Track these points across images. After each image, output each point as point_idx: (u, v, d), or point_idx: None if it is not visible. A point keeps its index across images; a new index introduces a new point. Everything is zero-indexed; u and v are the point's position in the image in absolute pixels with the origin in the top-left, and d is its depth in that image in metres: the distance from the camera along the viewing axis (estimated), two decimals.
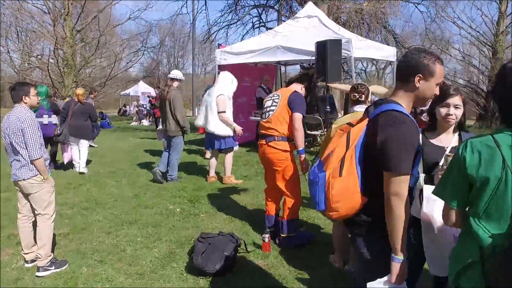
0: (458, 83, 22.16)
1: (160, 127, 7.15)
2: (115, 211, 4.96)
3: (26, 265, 3.57)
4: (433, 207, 2.08)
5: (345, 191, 1.72)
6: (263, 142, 3.90)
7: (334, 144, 1.95)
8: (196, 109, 30.87)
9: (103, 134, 11.47)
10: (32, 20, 20.84)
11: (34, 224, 3.56)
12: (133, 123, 21.73)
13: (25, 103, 3.39)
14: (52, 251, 3.61)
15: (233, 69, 7.78)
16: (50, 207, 3.49)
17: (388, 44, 11.90)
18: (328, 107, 7.33)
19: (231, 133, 6.14)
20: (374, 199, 1.72)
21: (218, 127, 6.06)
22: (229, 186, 6.03)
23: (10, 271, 3.50)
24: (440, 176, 2.25)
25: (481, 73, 24.76)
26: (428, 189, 2.07)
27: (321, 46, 6.48)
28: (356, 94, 3.30)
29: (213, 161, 6.45)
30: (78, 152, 7.39)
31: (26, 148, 3.29)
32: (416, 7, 13.94)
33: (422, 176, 2.13)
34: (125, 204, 5.27)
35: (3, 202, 5.24)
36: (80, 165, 7.27)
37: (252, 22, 13.75)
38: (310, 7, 9.00)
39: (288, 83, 4.06)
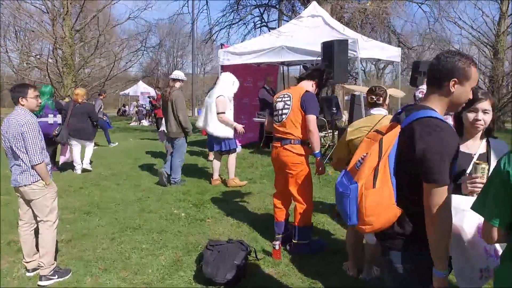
0: None
1: (162, 128, 7.01)
2: (118, 216, 4.82)
3: (28, 274, 3.44)
4: (462, 218, 1.97)
5: (380, 203, 1.62)
6: (278, 144, 3.76)
7: (361, 153, 1.84)
8: (196, 109, 30.83)
9: (103, 135, 11.31)
10: (31, 19, 20.67)
11: (36, 231, 3.42)
12: (133, 123, 21.60)
13: (22, 105, 3.24)
14: (55, 259, 3.48)
15: (236, 69, 7.67)
16: (52, 213, 3.36)
17: (390, 44, 11.83)
18: (334, 108, 7.21)
19: (231, 134, 6.01)
20: (410, 211, 1.63)
21: (217, 129, 5.93)
22: (234, 190, 5.89)
23: (11, 281, 3.37)
24: (468, 184, 2.14)
25: (481, 73, 24.72)
26: (456, 199, 1.94)
27: (328, 47, 6.35)
28: (373, 97, 3.17)
29: (216, 164, 6.32)
30: (78, 153, 7.32)
31: (27, 153, 3.15)
32: (419, 6, 13.83)
33: None
34: (128, 208, 5.13)
35: (2, 207, 5.10)
36: (84, 162, 7.33)
37: (254, 22, 13.63)
38: (314, 6, 8.88)
39: (298, 80, 3.92)
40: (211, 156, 8.21)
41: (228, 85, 6.00)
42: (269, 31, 12.91)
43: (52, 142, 7.05)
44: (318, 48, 7.00)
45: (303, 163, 3.70)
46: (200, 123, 6.32)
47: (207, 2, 12.59)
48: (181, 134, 6.14)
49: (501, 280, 1.43)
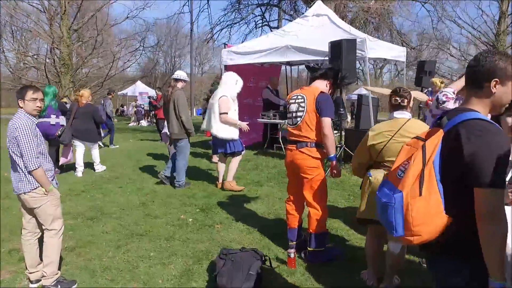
0: (454, 80, 22.05)
1: (165, 130, 6.85)
2: (123, 222, 4.65)
3: (31, 285, 3.27)
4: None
5: (427, 211, 1.52)
6: (293, 147, 3.60)
7: (401, 161, 1.74)
8: (195, 109, 30.67)
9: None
10: (28, 19, 20.45)
11: (40, 240, 3.25)
12: (132, 124, 21.41)
13: (21, 107, 3.07)
14: (59, 268, 3.32)
15: (238, 69, 7.50)
16: (56, 221, 3.19)
17: (392, 44, 11.70)
18: (342, 109, 7.06)
19: (236, 135, 5.81)
20: (459, 218, 1.52)
21: (220, 130, 5.74)
22: (241, 193, 5.73)
23: None
24: (509, 194, 1.99)
25: None
26: None
27: (336, 46, 6.20)
28: (398, 98, 3.02)
29: (221, 166, 6.14)
30: (81, 155, 7.25)
31: (22, 158, 2.97)
32: (422, 5, 13.73)
33: None
34: (132, 213, 4.97)
35: (1, 211, 4.92)
36: (94, 166, 7.43)
37: (255, 21, 13.47)
38: (319, 5, 8.71)
39: (311, 80, 3.76)
40: (215, 158, 8.04)
41: (231, 85, 5.81)
42: (271, 30, 12.77)
43: (54, 143, 7.06)
44: (324, 48, 6.85)
45: (319, 167, 3.55)
46: (203, 125, 6.18)
47: (208, 1, 12.39)
48: (183, 135, 5.98)
49: None
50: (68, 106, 8.02)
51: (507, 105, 1.70)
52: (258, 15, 13.21)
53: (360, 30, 10.55)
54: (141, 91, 28.52)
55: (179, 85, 6.07)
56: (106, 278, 3.34)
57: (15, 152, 2.99)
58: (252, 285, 2.97)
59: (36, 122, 3.11)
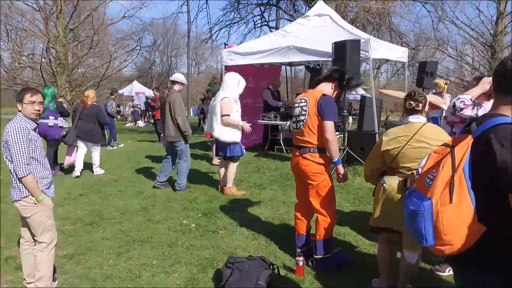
0: (450, 80, 22.01)
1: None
2: (124, 227, 4.52)
3: None
4: None
5: (459, 219, 1.46)
6: (297, 153, 3.49)
7: (428, 168, 1.66)
8: (191, 109, 30.54)
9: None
10: (23, 18, 20.22)
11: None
12: (128, 124, 21.24)
13: (19, 110, 2.93)
14: (56, 278, 3.18)
15: (238, 69, 7.38)
16: (46, 234, 2.98)
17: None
18: (345, 110, 6.95)
19: (237, 138, 5.66)
20: (492, 227, 1.44)
21: (222, 133, 5.58)
22: (243, 197, 5.60)
23: None
24: None
25: (475, 71, 24.71)
26: None
27: (339, 47, 6.09)
28: (412, 102, 2.90)
29: (223, 170, 6.01)
30: (82, 157, 7.19)
31: (12, 164, 2.82)
32: (423, 5, 13.68)
33: None
34: (133, 218, 4.83)
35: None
36: (93, 168, 7.33)
37: (254, 21, 13.33)
38: (320, 5, 8.60)
39: (317, 83, 3.63)
40: (215, 160, 7.93)
41: (233, 86, 5.64)
42: (270, 30, 12.65)
43: (54, 144, 7.07)
44: (327, 48, 6.76)
45: (324, 172, 3.42)
46: (206, 127, 6.07)
47: (206, 1, 12.24)
48: (179, 137, 5.85)
49: None
50: (64, 106, 7.92)
51: None
52: (257, 15, 13.09)
53: (361, 31, 10.45)
54: (138, 91, 28.32)
55: (176, 87, 5.95)
56: None
57: (7, 156, 2.84)
58: None
59: (34, 127, 2.95)
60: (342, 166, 3.48)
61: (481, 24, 23.63)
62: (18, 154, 2.78)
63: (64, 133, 6.81)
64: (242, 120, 5.78)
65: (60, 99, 10.60)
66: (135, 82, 30.08)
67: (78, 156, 7.18)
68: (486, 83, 3.23)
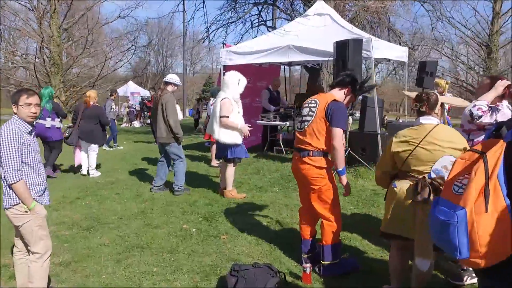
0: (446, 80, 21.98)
1: None
2: (122, 232, 4.37)
3: None
4: None
5: (496, 229, 1.38)
6: (297, 155, 3.37)
7: (454, 176, 1.56)
8: (187, 109, 30.31)
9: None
10: (16, 17, 19.96)
11: None
12: (124, 125, 21.01)
13: (14, 113, 2.77)
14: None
15: (236, 69, 7.24)
16: (39, 244, 2.79)
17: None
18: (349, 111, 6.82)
19: (238, 140, 5.48)
20: None
21: (222, 135, 5.41)
22: (244, 200, 5.47)
23: None
24: None
25: (470, 70, 24.78)
26: None
27: (341, 46, 5.98)
28: (417, 104, 2.79)
29: (223, 172, 5.86)
30: (86, 157, 7.20)
31: (2, 169, 2.65)
32: (422, 5, 13.62)
33: None
34: (131, 222, 4.68)
35: None
36: (89, 171, 7.19)
37: (251, 20, 13.20)
38: (320, 4, 8.47)
39: (330, 88, 3.51)
40: (214, 161, 7.80)
41: (233, 85, 5.44)
42: (268, 30, 12.52)
43: (52, 145, 7.09)
44: (328, 48, 6.65)
45: (325, 176, 3.27)
46: (207, 129, 5.93)
47: (203, 0, 12.10)
48: (171, 139, 5.73)
49: None
50: (60, 106, 7.82)
51: None
52: (255, 14, 12.96)
53: (360, 30, 10.35)
54: (133, 91, 28.10)
55: (169, 88, 5.82)
56: None
57: None
58: None
59: (29, 130, 2.78)
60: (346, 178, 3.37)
61: (477, 24, 23.70)
62: (8, 158, 2.61)
63: (67, 134, 6.85)
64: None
65: (55, 100, 10.47)
66: (130, 82, 29.81)
67: (82, 156, 7.25)
68: (500, 86, 3.12)
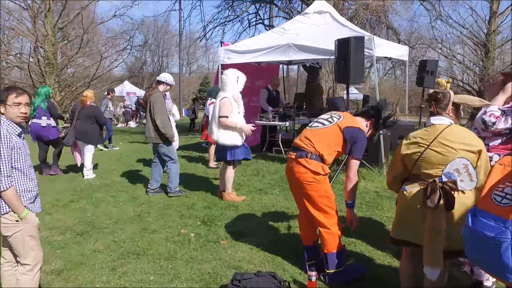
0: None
1: None
2: (117, 237, 4.19)
3: None
4: None
5: None
6: (293, 156, 3.18)
7: (492, 183, 1.37)
8: (183, 109, 30.10)
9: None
10: (10, 16, 19.67)
11: None
12: (120, 125, 20.82)
13: (1, 113, 2.57)
14: None
15: (234, 67, 7.07)
16: (30, 255, 2.58)
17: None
18: (348, 111, 6.67)
19: (238, 142, 5.28)
20: None
21: (221, 136, 5.22)
22: (244, 203, 5.30)
23: None
24: None
25: (467, 69, 24.73)
26: None
27: (343, 44, 5.83)
28: (426, 103, 2.65)
29: (222, 174, 5.68)
30: (83, 158, 7.11)
31: None
32: (421, 3, 13.50)
33: None
34: (127, 227, 4.50)
35: None
36: (84, 171, 7.04)
37: (248, 19, 13.03)
38: (320, 3, 8.31)
39: (355, 115, 3.36)
40: (212, 162, 7.63)
41: (232, 83, 5.21)
42: (266, 28, 12.36)
43: (54, 145, 7.16)
44: (328, 46, 6.51)
45: (320, 182, 3.08)
46: (208, 130, 5.77)
47: None
48: (159, 139, 5.58)
49: None
50: (55, 106, 7.68)
51: None
52: (252, 13, 12.79)
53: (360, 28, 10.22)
54: (129, 91, 27.89)
55: (161, 87, 5.67)
56: None
57: None
58: None
59: (19, 132, 2.58)
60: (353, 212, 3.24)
61: (474, 23, 23.65)
62: None
63: (63, 134, 6.79)
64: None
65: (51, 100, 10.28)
66: (126, 82, 29.60)
67: (80, 158, 7.18)
68: (509, 88, 2.98)
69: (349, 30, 7.23)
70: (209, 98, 7.80)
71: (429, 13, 14.38)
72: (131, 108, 21.92)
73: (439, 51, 23.49)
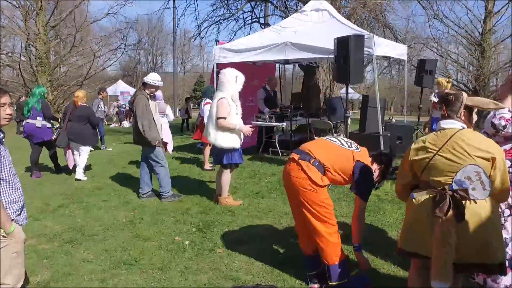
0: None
1: None
2: (108, 246, 3.99)
3: None
4: None
5: None
6: (295, 157, 2.99)
7: None
8: (178, 110, 29.86)
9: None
10: (1, 14, 19.32)
11: None
12: (113, 125, 20.55)
13: None
14: None
15: (229, 66, 6.89)
16: (10, 274, 2.35)
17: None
18: (348, 111, 6.50)
19: (236, 145, 5.08)
20: None
21: (219, 138, 5.01)
22: (241, 208, 5.11)
23: None
24: None
25: (462, 68, 24.73)
26: None
27: (342, 43, 5.66)
28: (438, 105, 2.48)
29: (219, 178, 5.47)
30: (77, 158, 6.95)
31: None
32: (418, 2, 13.40)
33: None
34: (119, 234, 4.30)
35: None
36: (77, 172, 6.83)
37: (243, 17, 12.84)
38: (316, 1, 8.15)
39: None
40: (207, 164, 7.44)
41: (230, 83, 5.01)
42: (261, 27, 12.17)
43: (49, 146, 7.03)
44: (327, 45, 6.34)
45: (317, 191, 2.88)
46: (204, 133, 5.56)
47: None
48: (143, 142, 5.39)
49: None
50: (49, 107, 7.49)
51: None
52: (248, 11, 12.60)
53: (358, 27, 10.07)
54: (123, 91, 27.57)
55: (147, 89, 5.40)
56: None
57: None
58: None
59: (1, 137, 2.37)
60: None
61: (469, 23, 23.63)
62: None
63: (55, 136, 6.67)
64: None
65: None
66: (120, 82, 29.29)
67: (75, 158, 7.04)
68: None
69: (348, 28, 7.07)
70: (204, 98, 7.61)
71: (426, 12, 14.28)
72: (124, 107, 21.63)
73: (434, 50, 23.46)
